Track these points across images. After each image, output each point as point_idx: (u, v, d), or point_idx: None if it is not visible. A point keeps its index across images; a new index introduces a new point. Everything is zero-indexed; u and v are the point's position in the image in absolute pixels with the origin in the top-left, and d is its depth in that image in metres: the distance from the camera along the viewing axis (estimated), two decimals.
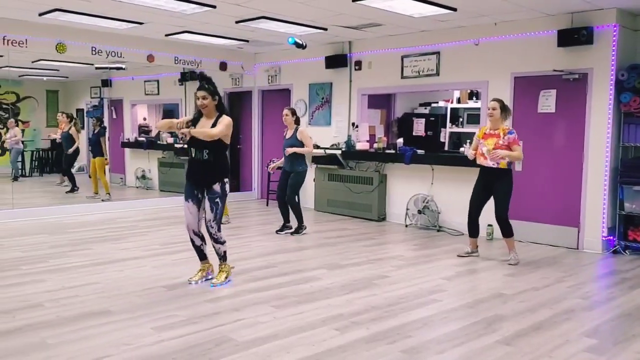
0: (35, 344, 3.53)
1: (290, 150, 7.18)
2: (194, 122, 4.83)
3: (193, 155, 4.83)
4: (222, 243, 4.95)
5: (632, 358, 3.56)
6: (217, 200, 4.83)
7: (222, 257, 5.02)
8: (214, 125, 4.75)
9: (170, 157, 11.99)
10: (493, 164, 5.91)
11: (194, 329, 3.84)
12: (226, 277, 5.02)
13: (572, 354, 3.58)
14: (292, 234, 7.38)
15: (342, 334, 3.83)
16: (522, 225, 7.00)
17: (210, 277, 5.08)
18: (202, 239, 5.00)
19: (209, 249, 5.08)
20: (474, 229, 6.27)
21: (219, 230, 4.89)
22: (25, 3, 6.81)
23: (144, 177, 12.74)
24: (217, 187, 4.82)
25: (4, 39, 7.76)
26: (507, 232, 6.04)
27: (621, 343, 3.82)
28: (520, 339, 3.81)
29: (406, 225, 8.29)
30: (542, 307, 4.52)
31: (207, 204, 4.84)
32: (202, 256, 5.09)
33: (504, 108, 5.94)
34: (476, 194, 6.17)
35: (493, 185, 6.00)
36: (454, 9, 6.63)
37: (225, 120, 4.76)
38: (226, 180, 4.91)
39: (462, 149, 7.80)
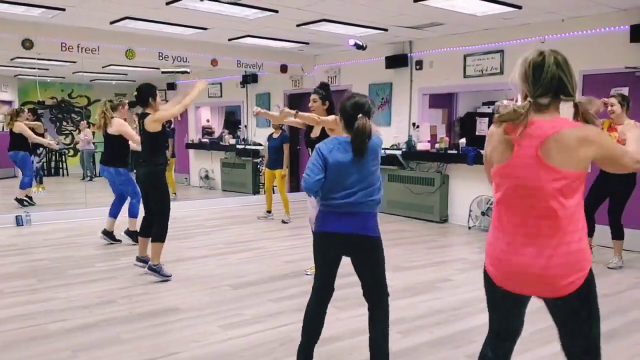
0: (110, 339, 3.71)
1: None
2: (308, 129, 5.08)
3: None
4: None
5: None
6: None
7: None
8: (322, 131, 4.83)
9: (232, 157, 12.26)
10: None
11: (259, 328, 3.93)
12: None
13: None
14: None
15: (405, 337, 3.82)
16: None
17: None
18: None
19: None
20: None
21: None
22: (98, 12, 7.14)
23: (207, 177, 13.09)
24: None
25: (78, 47, 8.17)
26: (617, 234, 5.80)
27: None
28: None
29: (469, 227, 8.14)
30: (613, 315, 4.33)
31: None
32: None
33: (623, 102, 5.57)
34: (594, 191, 5.81)
35: (611, 183, 5.65)
36: (519, 7, 6.47)
37: (330, 117, 4.77)
38: None
39: None
